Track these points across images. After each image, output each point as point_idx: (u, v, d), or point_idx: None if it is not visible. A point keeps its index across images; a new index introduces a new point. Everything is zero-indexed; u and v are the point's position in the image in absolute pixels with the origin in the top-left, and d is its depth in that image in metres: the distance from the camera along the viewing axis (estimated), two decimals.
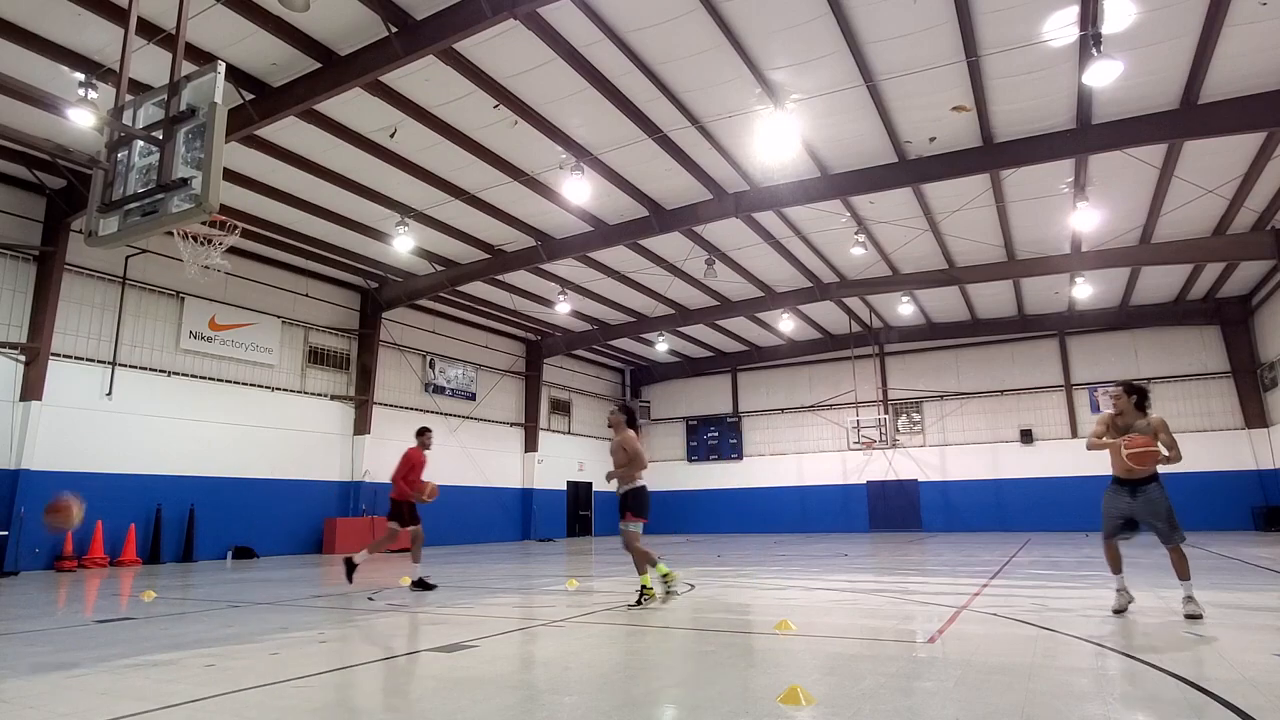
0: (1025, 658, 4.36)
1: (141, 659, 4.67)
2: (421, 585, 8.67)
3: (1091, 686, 3.61)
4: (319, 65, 10.36)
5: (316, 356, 18.72)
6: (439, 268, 18.36)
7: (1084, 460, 23.19)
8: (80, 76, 9.95)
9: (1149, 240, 16.72)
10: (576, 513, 27.16)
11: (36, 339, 13.08)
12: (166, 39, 9.31)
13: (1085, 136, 12.18)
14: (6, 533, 12.44)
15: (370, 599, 7.95)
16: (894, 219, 15.94)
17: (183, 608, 7.40)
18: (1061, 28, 9.84)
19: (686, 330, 24.90)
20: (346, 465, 19.01)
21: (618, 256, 17.99)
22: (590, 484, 27.97)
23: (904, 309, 22.34)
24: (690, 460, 29.65)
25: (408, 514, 8.84)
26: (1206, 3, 9.37)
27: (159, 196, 4.54)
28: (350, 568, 8.68)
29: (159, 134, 4.62)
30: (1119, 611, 5.85)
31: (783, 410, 28.36)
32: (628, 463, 7.23)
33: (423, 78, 10.77)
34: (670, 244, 17.26)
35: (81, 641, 5.36)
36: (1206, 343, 22.44)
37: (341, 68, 10.24)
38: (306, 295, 18.54)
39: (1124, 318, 22.93)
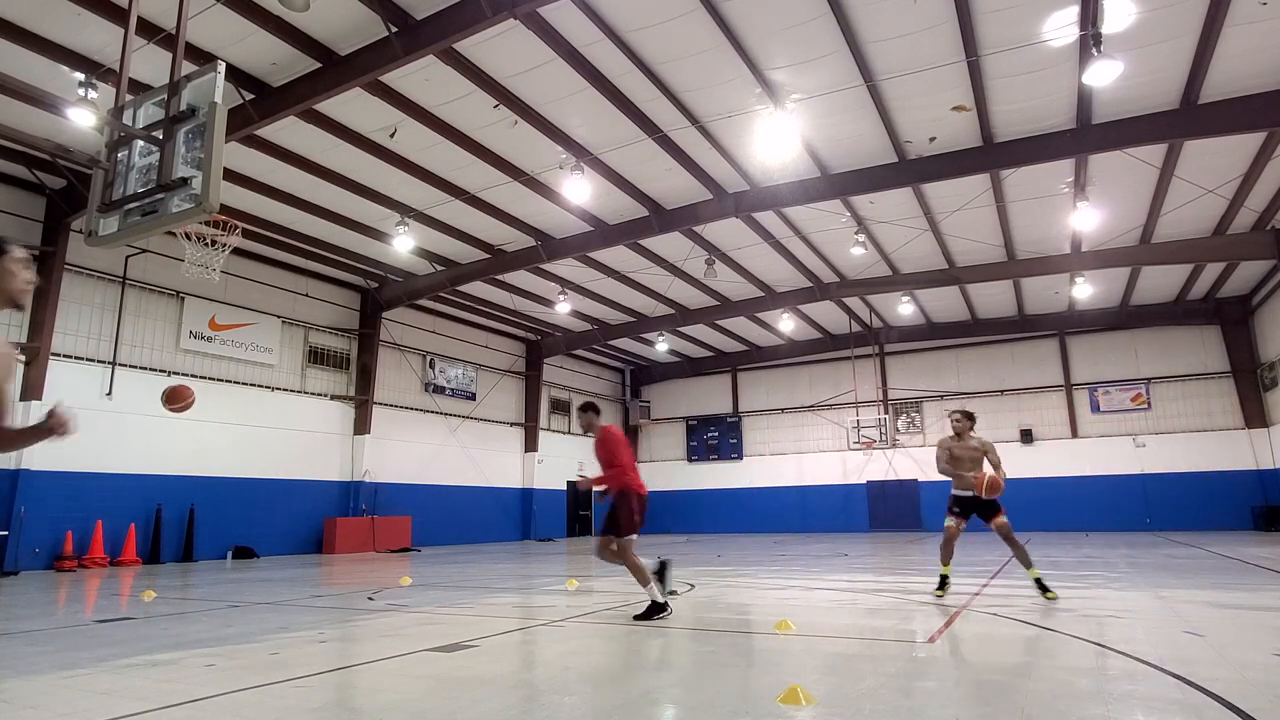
0: (1025, 658, 4.36)
1: (141, 659, 4.67)
2: None
3: (1091, 686, 3.61)
4: (319, 65, 10.35)
5: (316, 356, 18.72)
6: (439, 268, 18.36)
7: (1084, 460, 23.36)
8: (80, 76, 9.95)
9: (1149, 240, 16.72)
10: (576, 513, 27.15)
11: (36, 339, 13.07)
12: (166, 39, 9.31)
13: (1085, 136, 12.18)
14: (6, 533, 12.43)
15: (370, 599, 7.95)
16: (894, 219, 15.94)
17: (183, 608, 7.40)
18: (1061, 28, 9.83)
19: (686, 330, 24.90)
20: (346, 465, 19.01)
21: (618, 256, 17.99)
22: None
23: (904, 309, 22.34)
24: (690, 460, 29.65)
25: None
26: (1206, 3, 9.37)
27: (159, 196, 4.55)
28: None
29: (159, 134, 4.62)
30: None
31: (783, 410, 28.36)
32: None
33: (423, 78, 10.77)
34: (670, 244, 17.25)
35: (81, 641, 5.36)
36: (1206, 343, 22.45)
37: (341, 68, 10.24)
38: (306, 295, 18.53)
39: (1124, 318, 22.93)
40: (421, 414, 21.46)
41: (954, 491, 7.19)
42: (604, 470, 6.32)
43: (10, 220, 13.22)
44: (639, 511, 6.19)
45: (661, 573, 6.25)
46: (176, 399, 7.41)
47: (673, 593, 8.02)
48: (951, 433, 7.35)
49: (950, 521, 7.15)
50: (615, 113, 11.60)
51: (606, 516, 6.22)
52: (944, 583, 7.04)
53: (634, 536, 6.13)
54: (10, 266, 2.70)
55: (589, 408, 6.60)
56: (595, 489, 6.34)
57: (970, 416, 7.36)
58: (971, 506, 7.08)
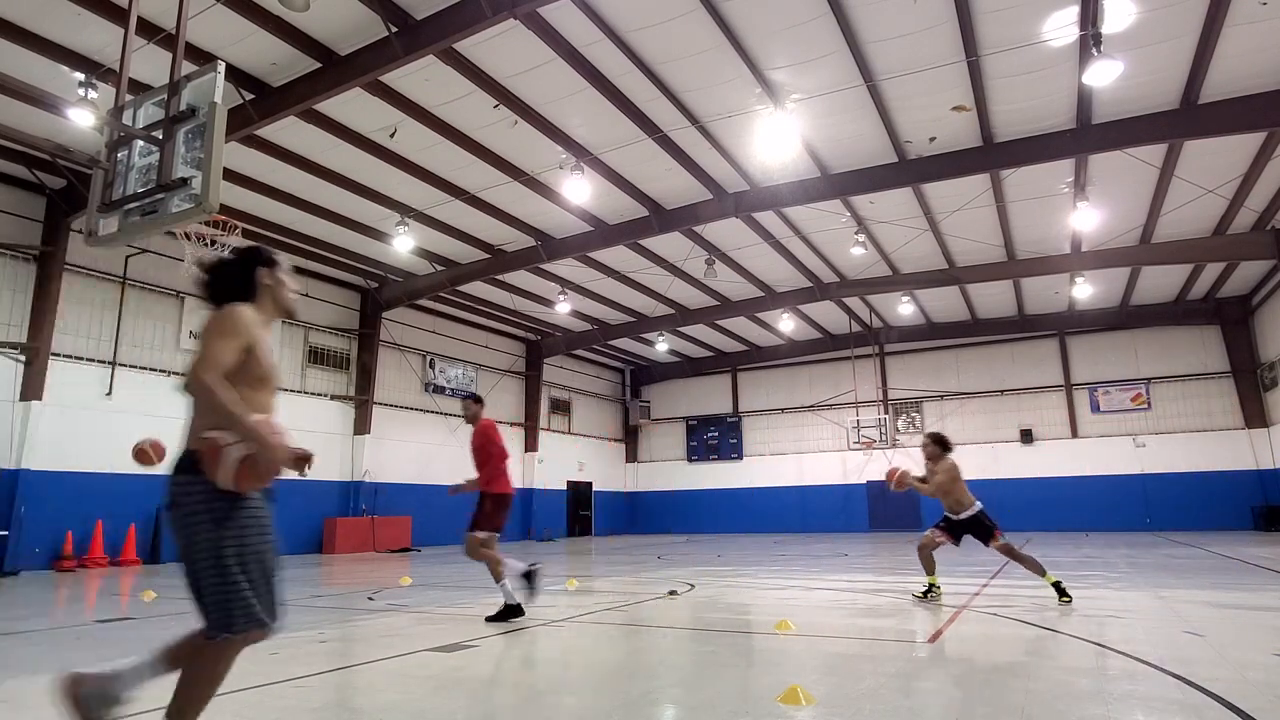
0: (1025, 658, 4.36)
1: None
2: None
3: (1091, 686, 3.61)
4: (319, 65, 10.35)
5: (316, 356, 18.72)
6: (439, 268, 18.36)
7: (1084, 460, 23.36)
8: (80, 76, 9.95)
9: (1149, 240, 16.71)
10: (577, 512, 27.16)
11: (36, 339, 13.07)
12: (166, 39, 9.31)
13: (1085, 136, 12.18)
14: (6, 533, 12.43)
15: (370, 599, 7.96)
16: (894, 219, 15.94)
17: (183, 608, 7.39)
18: (1061, 27, 9.83)
19: (686, 330, 24.89)
20: (346, 465, 19.00)
21: (618, 256, 17.98)
22: (590, 484, 27.97)
23: (904, 309, 22.34)
24: (690, 460, 29.64)
25: None
26: (1206, 3, 9.37)
27: (159, 196, 4.54)
28: None
29: (159, 134, 4.61)
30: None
31: (783, 410, 28.36)
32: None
33: (423, 78, 10.77)
34: (670, 244, 17.25)
35: (81, 641, 5.36)
36: (1206, 343, 22.45)
37: (341, 68, 10.24)
38: (306, 295, 18.51)
39: (1124, 318, 22.93)
40: (421, 414, 21.45)
41: (945, 512, 7.07)
42: (475, 460, 6.48)
43: (10, 220, 13.22)
44: (495, 511, 6.32)
45: (530, 578, 6.29)
46: (145, 459, 7.54)
47: (672, 592, 8.01)
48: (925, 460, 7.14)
49: (929, 531, 7.05)
50: (615, 113, 11.60)
51: (474, 512, 6.38)
52: (931, 589, 6.88)
53: (494, 534, 6.28)
54: (282, 276, 2.74)
55: (477, 399, 6.79)
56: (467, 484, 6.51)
57: (939, 441, 7.07)
58: (960, 528, 6.92)
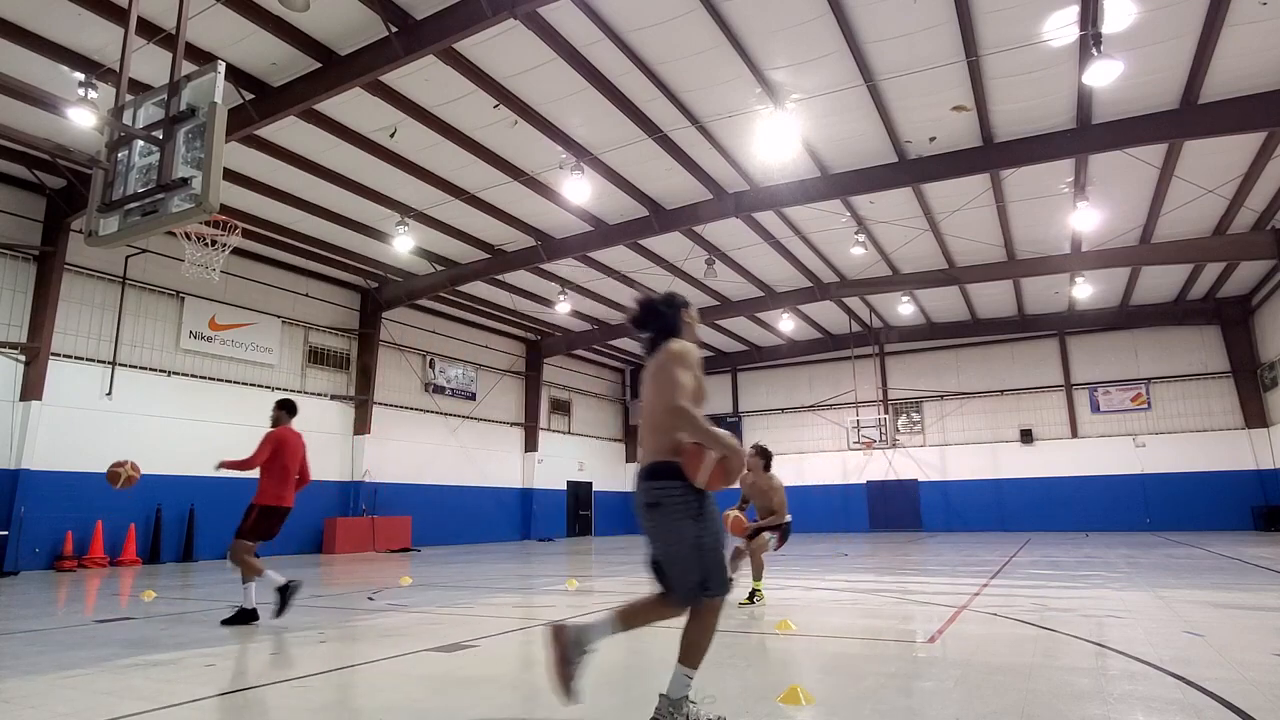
0: (1025, 658, 4.36)
1: (141, 659, 4.67)
2: None
3: (1091, 686, 3.61)
4: (319, 65, 10.35)
5: (316, 356, 18.72)
6: (439, 268, 18.36)
7: (1084, 460, 23.36)
8: (80, 76, 9.95)
9: (1149, 240, 16.71)
10: (577, 512, 27.16)
11: (36, 339, 13.07)
12: (166, 39, 9.31)
13: (1085, 136, 12.18)
14: (6, 533, 12.43)
15: (370, 599, 7.95)
16: (894, 219, 15.94)
17: (183, 608, 7.40)
18: (1061, 27, 9.84)
19: None
20: (346, 465, 19.00)
21: (618, 256, 17.98)
22: (590, 484, 27.97)
23: (904, 309, 22.34)
24: None
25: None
26: (1206, 3, 9.37)
27: (159, 196, 4.54)
28: None
29: (159, 134, 4.62)
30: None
31: (783, 410, 28.36)
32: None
33: (423, 78, 10.77)
34: (670, 244, 17.25)
35: (81, 641, 5.36)
36: (1206, 343, 22.45)
37: (341, 68, 10.24)
38: (306, 295, 18.53)
39: (1124, 318, 22.93)
40: (421, 414, 21.45)
41: (756, 517, 7.32)
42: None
43: (10, 220, 13.22)
44: (254, 519, 6.25)
45: (285, 593, 6.15)
46: (116, 480, 7.65)
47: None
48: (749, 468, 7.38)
49: (764, 535, 7.27)
50: (615, 113, 11.60)
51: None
52: (755, 594, 7.04)
53: (249, 543, 6.18)
54: (695, 315, 3.33)
55: (280, 405, 6.65)
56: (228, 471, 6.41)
57: (764, 454, 7.32)
58: (763, 528, 7.26)
